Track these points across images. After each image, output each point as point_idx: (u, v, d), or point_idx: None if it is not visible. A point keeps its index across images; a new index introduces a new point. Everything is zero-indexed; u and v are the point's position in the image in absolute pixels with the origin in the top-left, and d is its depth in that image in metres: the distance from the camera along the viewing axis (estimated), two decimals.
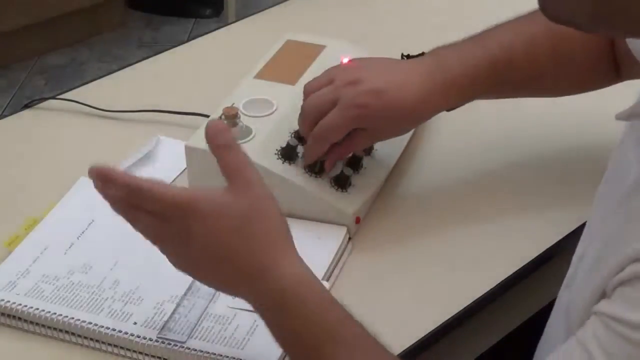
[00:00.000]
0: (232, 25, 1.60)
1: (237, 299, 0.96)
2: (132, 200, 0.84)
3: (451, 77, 1.05)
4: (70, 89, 1.35)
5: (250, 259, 0.83)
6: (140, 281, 1.00)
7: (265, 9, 1.56)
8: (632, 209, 0.76)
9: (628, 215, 0.76)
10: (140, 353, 0.93)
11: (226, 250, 0.83)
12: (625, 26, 0.71)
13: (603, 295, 0.75)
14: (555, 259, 1.06)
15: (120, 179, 0.84)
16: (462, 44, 1.08)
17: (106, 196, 0.85)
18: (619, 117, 0.80)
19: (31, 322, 0.96)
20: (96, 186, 0.86)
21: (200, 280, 0.88)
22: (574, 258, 0.91)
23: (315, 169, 1.08)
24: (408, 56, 1.37)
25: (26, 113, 1.32)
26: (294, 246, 0.85)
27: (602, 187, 0.89)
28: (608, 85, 1.12)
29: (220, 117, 1.10)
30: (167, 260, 0.87)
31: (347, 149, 1.07)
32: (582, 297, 0.78)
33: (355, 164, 1.10)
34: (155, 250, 1.04)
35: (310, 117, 1.05)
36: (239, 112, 1.09)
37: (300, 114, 1.07)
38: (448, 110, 1.09)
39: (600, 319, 0.72)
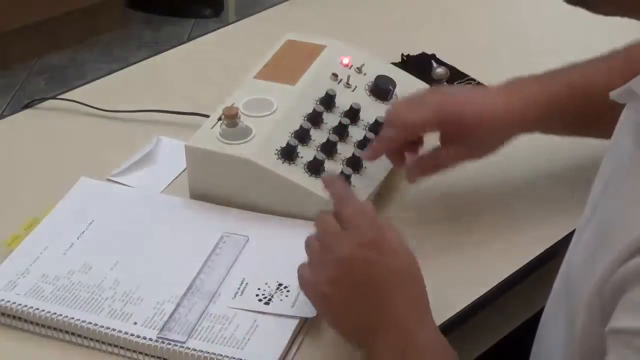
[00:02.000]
0: (232, 25, 1.60)
1: (237, 298, 0.96)
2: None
3: (529, 93, 1.07)
4: (70, 89, 1.35)
5: (396, 302, 0.86)
6: (140, 281, 1.00)
7: (265, 9, 1.56)
8: (630, 194, 0.75)
9: (627, 200, 0.75)
10: (140, 353, 0.93)
11: (378, 282, 0.86)
12: (635, 6, 0.70)
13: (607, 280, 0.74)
14: (555, 260, 1.06)
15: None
16: (539, 74, 1.10)
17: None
18: (614, 95, 0.79)
19: (31, 322, 0.96)
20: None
21: (331, 302, 0.88)
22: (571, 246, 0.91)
23: (315, 168, 1.08)
24: (408, 56, 1.38)
25: (26, 113, 1.32)
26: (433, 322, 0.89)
27: (601, 173, 0.89)
28: None
29: (220, 117, 1.10)
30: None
31: (432, 160, 1.09)
32: (586, 279, 0.78)
33: (355, 164, 1.10)
34: (154, 251, 1.04)
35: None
36: (239, 112, 1.09)
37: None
38: (529, 131, 1.10)
39: (618, 339, 0.71)
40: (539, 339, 0.95)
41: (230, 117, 1.07)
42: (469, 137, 1.06)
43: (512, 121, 1.07)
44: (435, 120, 1.06)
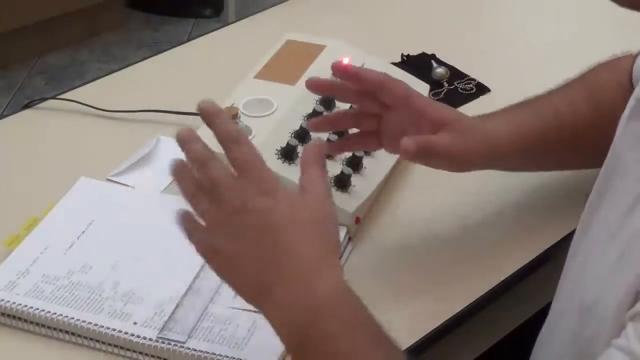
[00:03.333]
0: (232, 25, 1.60)
1: (237, 298, 0.96)
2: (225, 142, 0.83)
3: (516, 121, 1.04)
4: (70, 89, 1.35)
5: (295, 255, 0.80)
6: (140, 281, 1.00)
7: (265, 9, 1.56)
8: None
9: None
10: (140, 353, 0.93)
11: (277, 231, 0.80)
12: None
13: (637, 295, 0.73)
14: (555, 260, 1.06)
15: (228, 121, 0.84)
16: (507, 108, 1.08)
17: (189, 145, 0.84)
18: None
19: (31, 322, 0.96)
20: (184, 135, 0.84)
21: (233, 266, 0.82)
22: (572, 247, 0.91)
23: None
24: (408, 56, 1.38)
25: (26, 113, 1.32)
26: (338, 259, 0.84)
27: (599, 184, 0.89)
28: None
29: None
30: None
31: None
32: (612, 296, 0.77)
33: (355, 164, 1.10)
34: (154, 251, 1.04)
35: None
36: (239, 112, 1.09)
37: None
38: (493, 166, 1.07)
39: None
40: (541, 343, 0.95)
41: (230, 118, 1.07)
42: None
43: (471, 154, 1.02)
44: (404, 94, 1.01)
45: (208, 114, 0.84)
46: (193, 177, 0.84)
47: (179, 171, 0.85)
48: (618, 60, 1.08)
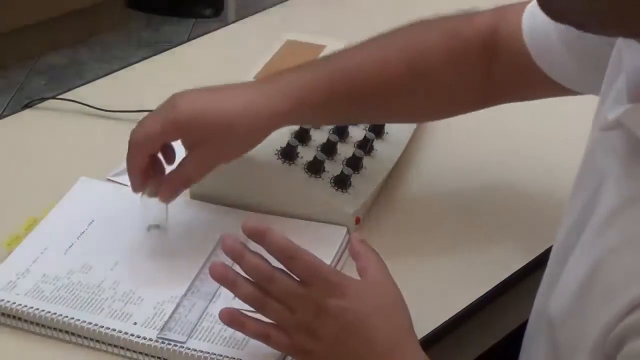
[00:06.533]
0: (232, 25, 1.60)
1: (237, 299, 0.96)
2: (283, 259, 0.86)
3: (283, 84, 0.99)
4: (70, 89, 1.35)
5: (376, 343, 0.85)
6: (140, 281, 1.00)
7: (265, 9, 1.56)
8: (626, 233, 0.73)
9: (627, 245, 0.72)
10: (140, 353, 0.93)
11: (355, 326, 0.85)
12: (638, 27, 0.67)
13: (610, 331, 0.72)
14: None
15: (277, 237, 0.87)
16: (302, 65, 1.03)
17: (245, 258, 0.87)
18: (605, 128, 0.76)
19: (31, 322, 0.96)
20: (235, 249, 0.88)
21: (315, 355, 0.87)
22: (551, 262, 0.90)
23: (315, 168, 1.08)
24: None
25: (26, 113, 1.32)
26: (417, 342, 0.87)
27: (572, 196, 0.87)
28: (472, 111, 1.07)
29: None
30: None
31: (179, 174, 1.01)
32: (577, 324, 0.77)
33: (355, 164, 1.10)
34: (155, 251, 1.04)
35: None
36: None
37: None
38: (285, 123, 1.03)
39: None
40: (524, 351, 0.95)
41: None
42: (215, 140, 0.98)
43: (260, 116, 0.99)
44: (172, 128, 0.98)
45: (257, 233, 0.87)
46: (253, 286, 0.87)
47: (233, 283, 0.88)
48: (453, 28, 1.05)
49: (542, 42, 0.98)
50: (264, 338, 0.88)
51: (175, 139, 1.00)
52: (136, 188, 1.00)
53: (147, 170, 1.00)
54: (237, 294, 0.88)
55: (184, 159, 1.00)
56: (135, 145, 0.99)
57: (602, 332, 0.72)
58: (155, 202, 1.01)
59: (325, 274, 0.86)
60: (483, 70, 1.03)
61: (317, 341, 0.86)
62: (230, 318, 0.89)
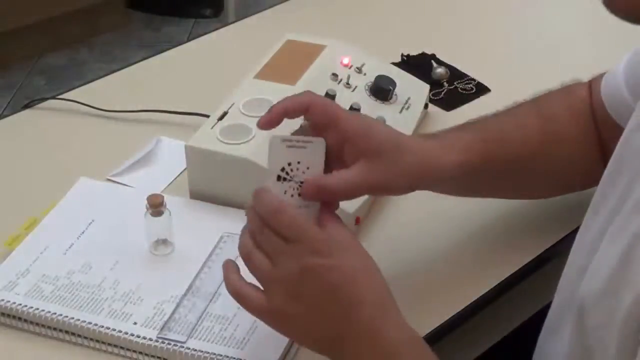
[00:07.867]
0: (232, 25, 1.60)
1: (237, 298, 0.96)
2: (270, 221, 0.85)
3: (445, 140, 0.98)
4: (70, 89, 1.35)
5: (362, 306, 0.83)
6: (140, 281, 1.00)
7: (265, 9, 1.56)
8: None
9: None
10: (140, 353, 0.93)
11: (341, 288, 0.83)
12: None
13: None
14: (555, 260, 1.06)
15: (267, 194, 0.86)
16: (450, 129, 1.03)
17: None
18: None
19: (31, 322, 0.96)
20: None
21: (292, 320, 0.85)
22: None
23: None
24: (408, 56, 1.38)
25: (26, 113, 1.32)
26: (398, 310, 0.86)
27: (602, 186, 0.88)
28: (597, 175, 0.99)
29: (220, 118, 1.10)
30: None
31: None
32: (612, 305, 0.77)
33: None
34: (155, 251, 1.04)
35: None
36: (163, 201, 1.04)
37: None
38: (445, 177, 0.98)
39: None
40: (540, 349, 0.95)
41: (155, 206, 1.03)
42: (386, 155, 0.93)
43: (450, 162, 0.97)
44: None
45: (253, 195, 0.86)
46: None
47: (242, 232, 0.88)
48: (569, 87, 1.08)
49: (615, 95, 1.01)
50: (239, 297, 0.86)
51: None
52: (264, 123, 0.93)
53: (280, 120, 0.94)
54: (239, 243, 0.87)
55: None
56: (304, 99, 0.93)
57: (635, 300, 0.73)
58: (159, 217, 1.02)
59: (311, 233, 0.84)
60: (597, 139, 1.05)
61: (298, 303, 0.83)
62: (226, 265, 0.88)
